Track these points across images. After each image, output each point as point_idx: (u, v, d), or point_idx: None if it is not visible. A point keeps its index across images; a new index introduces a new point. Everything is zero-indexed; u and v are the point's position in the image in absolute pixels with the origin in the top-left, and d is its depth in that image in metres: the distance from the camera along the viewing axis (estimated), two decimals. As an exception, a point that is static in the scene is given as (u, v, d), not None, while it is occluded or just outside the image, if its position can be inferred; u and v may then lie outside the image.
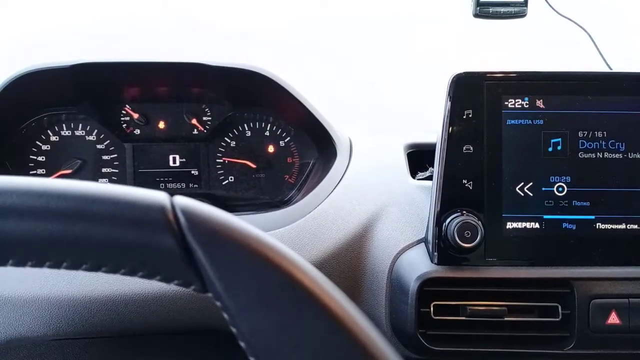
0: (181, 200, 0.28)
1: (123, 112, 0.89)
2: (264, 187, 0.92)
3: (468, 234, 0.58)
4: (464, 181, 0.60)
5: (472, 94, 0.60)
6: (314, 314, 0.27)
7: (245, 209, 0.89)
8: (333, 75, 1.37)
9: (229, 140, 0.92)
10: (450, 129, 0.61)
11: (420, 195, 0.71)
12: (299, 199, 0.89)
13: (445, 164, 0.61)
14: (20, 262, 0.26)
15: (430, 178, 0.76)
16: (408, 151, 0.84)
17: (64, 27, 1.37)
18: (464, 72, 0.61)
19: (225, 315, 0.28)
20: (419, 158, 0.83)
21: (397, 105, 1.34)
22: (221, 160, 0.91)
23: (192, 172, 0.91)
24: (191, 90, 0.89)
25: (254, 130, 0.92)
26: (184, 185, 0.91)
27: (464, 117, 0.60)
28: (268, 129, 0.92)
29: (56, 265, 0.27)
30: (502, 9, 0.89)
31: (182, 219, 0.27)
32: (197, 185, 0.91)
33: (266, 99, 0.87)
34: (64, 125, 0.88)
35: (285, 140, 0.92)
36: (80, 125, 0.88)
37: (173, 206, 0.27)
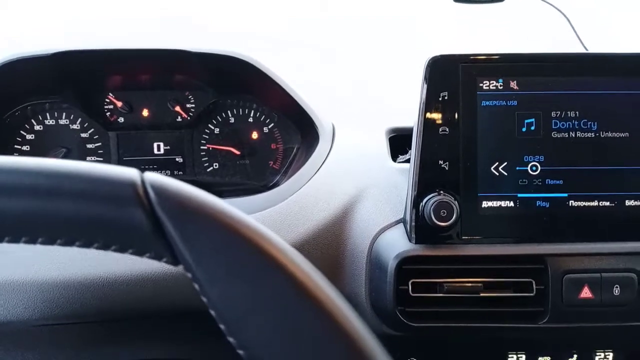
0: (151, 176, 0.29)
1: (106, 100, 0.90)
2: (249, 173, 0.93)
3: (444, 213, 0.59)
4: (441, 162, 0.62)
5: (447, 76, 0.62)
6: (280, 282, 0.29)
7: (231, 195, 0.90)
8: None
9: (212, 127, 0.92)
10: (427, 111, 0.62)
11: (400, 178, 0.73)
12: (284, 184, 0.91)
13: (422, 145, 0.62)
14: (14, 240, 0.27)
15: (409, 161, 0.78)
16: (390, 135, 0.86)
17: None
18: (439, 55, 0.62)
19: (196, 286, 0.29)
20: (400, 142, 0.85)
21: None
22: (205, 147, 0.92)
23: (177, 159, 0.92)
24: (174, 77, 0.90)
25: (238, 116, 0.93)
26: (168, 172, 0.92)
27: (440, 99, 0.62)
28: (252, 115, 0.93)
29: (31, 240, 0.28)
30: (481, -6, 0.90)
31: (151, 193, 0.28)
32: (182, 172, 0.92)
33: (249, 86, 0.88)
34: (47, 114, 0.88)
35: (269, 127, 0.93)
36: (64, 114, 0.88)
37: (143, 181, 0.28)
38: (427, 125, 0.62)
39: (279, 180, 0.92)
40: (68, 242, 0.29)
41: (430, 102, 0.62)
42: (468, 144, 0.62)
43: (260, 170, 0.93)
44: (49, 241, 0.29)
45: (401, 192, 0.70)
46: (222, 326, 0.29)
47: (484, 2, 0.90)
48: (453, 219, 0.59)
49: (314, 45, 1.46)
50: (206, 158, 0.92)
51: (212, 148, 0.92)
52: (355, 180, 0.74)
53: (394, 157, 0.81)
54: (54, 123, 0.88)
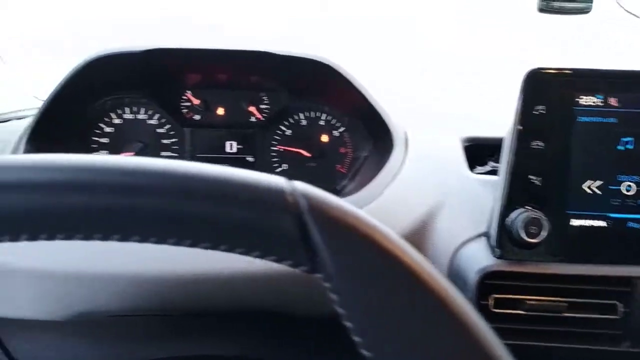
0: (301, 185, 0.29)
1: (184, 97, 0.92)
2: (316, 176, 0.94)
3: (534, 229, 0.58)
4: (532, 177, 0.61)
5: (544, 90, 0.60)
6: (423, 298, 0.29)
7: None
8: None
9: (284, 129, 0.93)
10: (521, 124, 0.61)
11: (480, 189, 0.72)
12: (352, 190, 0.91)
13: (514, 159, 0.61)
14: (160, 241, 0.28)
15: (490, 172, 0.77)
16: (465, 144, 0.85)
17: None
18: (537, 68, 0.61)
19: (334, 297, 0.29)
20: (475, 152, 0.84)
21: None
22: (276, 148, 0.93)
23: (248, 158, 0.93)
24: (250, 78, 0.91)
25: (309, 119, 0.93)
26: (239, 171, 0.93)
27: (535, 113, 0.60)
28: (323, 118, 0.93)
29: (178, 242, 0.29)
30: (568, 5, 0.88)
31: (301, 202, 0.28)
32: (251, 172, 0.93)
33: (326, 89, 0.88)
34: (126, 108, 0.91)
35: (340, 130, 0.93)
36: (143, 109, 0.91)
37: (293, 189, 0.29)
38: (521, 139, 0.61)
39: (346, 185, 0.93)
40: (213, 246, 0.29)
41: (525, 116, 0.61)
42: (561, 159, 0.61)
43: (327, 174, 0.94)
44: (195, 244, 0.29)
45: (482, 204, 0.69)
46: (357, 339, 0.29)
47: (569, 13, 0.88)
48: (542, 236, 0.58)
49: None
50: (276, 159, 0.93)
51: (282, 149, 0.93)
52: (434, 191, 0.73)
53: (470, 167, 0.80)
54: (132, 117, 0.91)
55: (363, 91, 0.81)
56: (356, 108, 0.87)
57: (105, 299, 0.64)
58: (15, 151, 0.75)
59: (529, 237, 0.58)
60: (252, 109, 0.92)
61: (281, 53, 0.79)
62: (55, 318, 0.63)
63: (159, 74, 0.88)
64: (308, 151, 0.93)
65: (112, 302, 0.64)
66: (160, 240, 0.29)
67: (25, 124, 0.83)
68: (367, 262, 0.28)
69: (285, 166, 0.94)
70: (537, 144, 0.61)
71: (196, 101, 0.91)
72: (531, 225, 0.58)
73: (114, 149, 0.90)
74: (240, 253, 0.30)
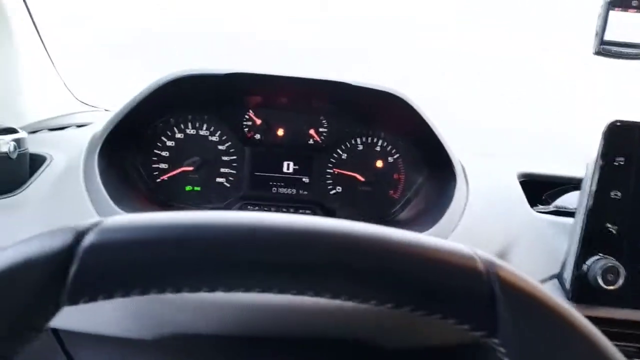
0: (487, 256, 0.31)
1: (246, 116, 0.93)
2: (369, 200, 0.96)
3: (611, 277, 0.60)
4: (609, 225, 0.63)
5: (625, 141, 0.63)
6: None
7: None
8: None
9: (341, 152, 0.95)
10: (601, 173, 0.63)
11: (547, 230, 0.74)
12: (406, 218, 0.93)
13: (592, 207, 0.63)
14: (360, 300, 0.30)
15: (554, 213, 0.79)
16: (521, 180, 0.87)
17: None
18: (619, 121, 0.63)
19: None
20: (527, 187, 0.86)
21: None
22: (331, 171, 0.95)
23: (304, 179, 0.95)
24: (313, 101, 0.93)
25: (366, 144, 0.95)
26: (294, 191, 0.94)
27: (615, 163, 0.63)
28: (379, 144, 0.95)
29: (376, 303, 0.31)
30: (626, 50, 0.91)
31: (491, 271, 0.30)
32: (306, 192, 0.95)
33: (390, 117, 0.90)
34: (190, 124, 0.92)
35: (394, 157, 0.95)
36: (205, 125, 0.92)
37: (482, 259, 0.31)
38: (600, 187, 0.63)
39: (397, 211, 0.95)
40: (396, 306, 0.31)
41: (605, 166, 0.63)
42: (638, 209, 0.63)
43: (380, 199, 0.96)
44: (381, 303, 0.31)
45: (551, 245, 0.71)
46: None
47: (626, 58, 0.90)
48: (619, 284, 0.60)
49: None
50: (331, 181, 0.95)
51: (337, 172, 0.95)
52: (502, 229, 0.75)
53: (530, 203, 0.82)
54: (194, 132, 0.92)
55: (430, 123, 0.83)
56: (418, 137, 0.89)
57: (193, 320, 0.65)
58: (86, 162, 0.76)
59: (606, 284, 0.60)
60: (311, 132, 0.94)
61: (361, 85, 0.81)
62: (144, 337, 0.64)
63: (225, 93, 0.89)
64: (362, 175, 0.95)
65: (200, 323, 0.65)
66: (362, 299, 0.30)
67: (88, 133, 0.84)
68: (550, 335, 0.30)
69: (339, 189, 0.95)
70: (616, 193, 0.63)
71: (258, 121, 0.93)
72: (609, 272, 0.60)
73: (174, 162, 0.92)
74: (422, 314, 0.32)
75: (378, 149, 0.96)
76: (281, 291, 0.30)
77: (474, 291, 0.30)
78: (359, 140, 0.95)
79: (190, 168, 0.92)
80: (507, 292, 0.30)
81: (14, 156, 0.69)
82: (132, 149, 0.89)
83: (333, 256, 0.29)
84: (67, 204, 0.69)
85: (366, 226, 0.31)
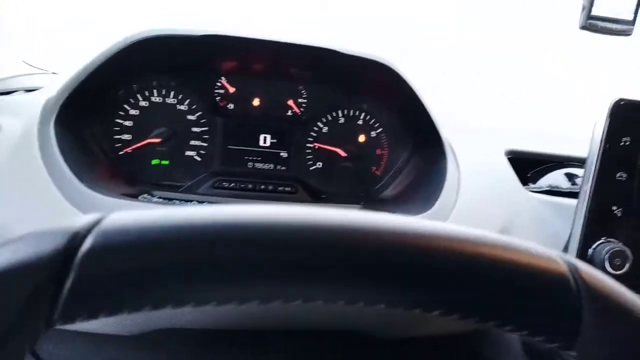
0: (582, 266, 0.27)
1: (218, 84, 0.85)
2: (350, 177, 0.90)
3: (618, 262, 0.58)
4: (614, 208, 0.60)
5: (631, 121, 0.60)
6: None
7: (333, 199, 0.87)
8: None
9: (321, 126, 0.89)
10: (605, 154, 0.60)
11: (544, 211, 0.71)
12: (389, 194, 0.88)
13: (595, 189, 0.61)
14: (426, 311, 0.24)
15: (546, 192, 0.76)
16: (509, 157, 0.84)
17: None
18: (625, 99, 0.60)
19: None
20: (516, 165, 0.83)
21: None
22: (311, 145, 0.89)
23: (282, 154, 0.88)
24: (291, 69, 0.86)
25: (348, 117, 0.89)
26: (271, 166, 0.88)
27: (621, 143, 0.60)
28: (362, 117, 0.90)
29: (458, 317, 0.25)
30: (612, 25, 0.88)
31: (580, 282, 0.26)
32: (284, 168, 0.88)
33: (375, 90, 0.85)
34: (155, 90, 0.83)
35: (377, 131, 0.90)
36: (173, 92, 0.83)
37: (567, 264, 0.26)
38: (603, 169, 0.60)
39: (381, 189, 0.90)
40: (481, 320, 0.26)
41: (609, 146, 0.60)
42: (643, 192, 0.61)
43: (362, 175, 0.91)
44: (464, 317, 0.26)
45: (549, 227, 0.69)
46: None
47: (612, 34, 0.88)
48: (626, 268, 0.58)
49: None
50: (311, 156, 0.89)
51: (318, 147, 0.89)
52: (498, 210, 0.72)
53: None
54: (160, 100, 0.83)
55: (419, 95, 0.78)
56: (404, 109, 0.84)
57: (187, 312, 0.58)
58: (41, 132, 0.66)
59: (613, 269, 0.58)
60: (290, 102, 0.87)
61: (349, 53, 0.74)
62: (132, 332, 0.57)
63: (195, 58, 0.81)
64: (344, 150, 0.89)
65: (194, 316, 0.59)
66: (439, 311, 0.25)
67: (40, 99, 0.74)
68: (635, 344, 0.26)
69: (319, 164, 0.89)
70: (621, 175, 0.60)
71: (232, 89, 0.85)
72: (616, 257, 0.58)
73: (138, 133, 0.82)
74: (507, 330, 0.27)
75: (360, 122, 0.90)
76: (349, 301, 0.24)
77: (564, 303, 0.25)
78: (340, 113, 0.89)
79: (157, 140, 0.83)
80: (594, 300, 0.26)
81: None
82: (92, 117, 0.79)
83: (410, 261, 0.24)
84: (23, 178, 0.59)
85: (432, 224, 0.25)
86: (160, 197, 0.68)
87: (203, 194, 0.82)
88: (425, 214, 0.68)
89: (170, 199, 0.69)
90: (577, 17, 0.94)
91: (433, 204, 0.69)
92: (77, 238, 0.20)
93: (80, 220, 0.21)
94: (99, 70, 0.69)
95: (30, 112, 0.71)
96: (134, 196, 0.69)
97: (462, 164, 0.80)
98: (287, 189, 0.86)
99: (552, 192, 0.75)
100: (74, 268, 0.19)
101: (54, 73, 1.16)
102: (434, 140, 0.81)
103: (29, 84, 0.92)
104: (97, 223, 0.20)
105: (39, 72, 1.16)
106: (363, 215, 0.24)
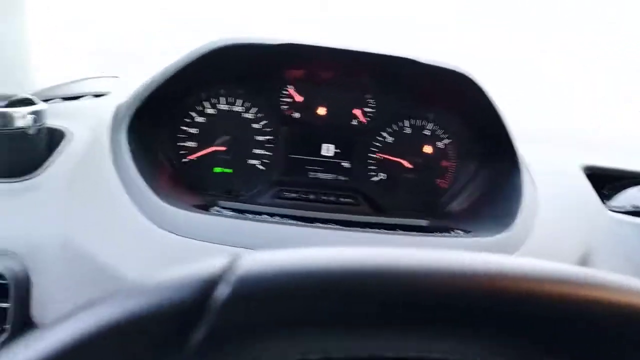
0: None
1: (285, 92, 0.84)
2: (413, 189, 0.87)
3: None
4: None
5: None
6: None
7: (394, 213, 0.85)
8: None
9: (386, 136, 0.86)
10: None
11: (628, 235, 0.66)
12: (456, 208, 0.85)
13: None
14: None
15: (630, 213, 0.71)
16: (587, 173, 0.79)
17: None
18: None
19: None
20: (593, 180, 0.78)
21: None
22: (375, 156, 0.86)
23: (343, 164, 0.86)
24: (359, 79, 0.84)
25: (414, 127, 0.87)
26: (333, 176, 0.86)
27: None
28: (429, 128, 0.87)
29: None
30: None
31: None
32: (346, 179, 0.86)
33: (447, 100, 0.82)
34: (222, 98, 0.83)
35: (444, 142, 0.87)
36: (239, 100, 0.83)
37: None
38: None
39: (446, 202, 0.87)
40: None
41: None
42: None
43: (425, 187, 0.88)
44: None
45: (633, 253, 0.64)
46: None
47: None
48: None
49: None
50: (374, 167, 0.87)
51: (382, 157, 0.86)
52: (578, 232, 0.67)
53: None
54: (227, 109, 0.83)
55: (495, 106, 0.74)
56: (476, 121, 0.81)
57: None
58: (114, 139, 0.67)
59: None
60: (356, 111, 0.85)
61: (428, 62, 0.72)
62: None
63: (264, 67, 0.80)
64: (408, 162, 0.87)
65: None
66: None
67: (109, 105, 0.75)
68: None
69: (382, 175, 0.87)
70: None
71: (298, 98, 0.84)
72: None
73: (203, 140, 0.82)
74: None
75: (427, 132, 0.87)
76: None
77: None
78: (406, 123, 0.87)
79: (222, 148, 0.83)
80: None
81: (32, 132, 0.60)
82: (158, 124, 0.79)
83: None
84: (95, 186, 0.60)
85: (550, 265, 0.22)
86: (231, 210, 0.67)
87: (265, 204, 0.81)
88: (503, 234, 0.64)
89: (241, 211, 0.68)
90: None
91: (509, 223, 0.65)
92: (210, 286, 0.18)
93: (212, 264, 0.19)
94: (173, 77, 0.69)
95: (100, 118, 0.72)
96: (203, 207, 0.68)
97: (537, 180, 0.76)
98: (349, 200, 0.84)
99: (635, 212, 0.70)
100: (209, 318, 0.18)
101: (114, 77, 1.18)
102: (508, 153, 0.77)
103: (94, 89, 0.94)
104: (230, 268, 0.19)
105: (102, 76, 1.19)
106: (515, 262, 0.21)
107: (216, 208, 0.69)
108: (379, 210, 0.85)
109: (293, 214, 0.73)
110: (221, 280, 0.18)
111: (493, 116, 0.75)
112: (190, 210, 0.60)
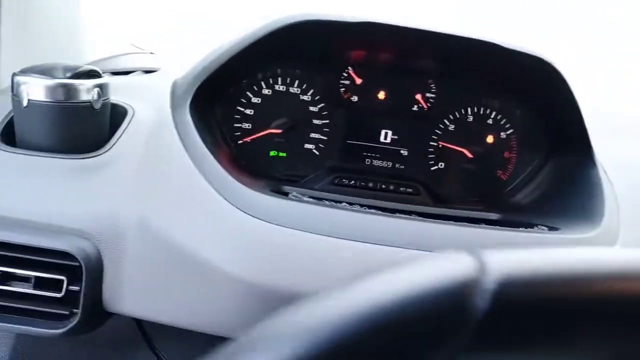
0: None
1: (344, 74, 0.80)
2: (472, 180, 0.84)
3: None
4: None
5: None
6: None
7: (460, 202, 0.81)
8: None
9: (448, 123, 0.83)
10: None
11: None
12: (523, 201, 0.81)
13: None
14: None
15: None
16: None
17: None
18: None
19: None
20: None
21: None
22: (435, 144, 0.83)
23: (402, 151, 0.83)
24: (423, 61, 0.80)
25: (477, 116, 0.83)
26: (390, 164, 0.83)
27: None
28: (492, 116, 0.83)
29: None
30: None
31: None
32: (403, 167, 0.83)
33: (515, 86, 0.78)
34: (279, 79, 0.79)
35: (508, 132, 0.83)
36: (297, 81, 0.79)
37: None
38: None
39: (508, 195, 0.83)
40: None
41: None
42: None
43: (485, 179, 0.84)
44: None
45: None
46: None
47: None
48: None
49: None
50: (433, 156, 0.83)
51: (442, 146, 0.83)
52: None
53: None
54: (284, 90, 0.80)
55: (576, 98, 0.70)
56: (548, 112, 0.77)
57: None
58: (179, 117, 0.64)
59: None
60: (418, 96, 0.82)
61: (511, 47, 0.68)
62: None
63: (325, 47, 0.76)
64: (470, 151, 0.83)
65: None
66: None
67: (164, 82, 0.72)
68: None
69: (441, 165, 0.83)
70: None
71: (358, 80, 0.80)
72: None
73: (259, 122, 0.79)
74: None
75: (490, 121, 0.83)
76: None
77: None
78: (469, 111, 0.83)
79: (278, 130, 0.80)
80: None
81: (98, 106, 0.57)
82: (217, 103, 0.77)
83: None
84: (166, 165, 0.57)
85: None
86: (310, 197, 0.64)
87: (322, 190, 0.78)
88: (597, 231, 0.60)
89: (319, 199, 0.64)
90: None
91: (597, 220, 0.61)
92: (468, 291, 0.16)
93: (458, 265, 0.16)
94: (237, 56, 0.66)
95: (158, 95, 0.69)
96: (280, 193, 0.65)
97: (611, 173, 0.72)
98: (409, 190, 0.81)
99: None
100: (469, 327, 0.15)
101: (151, 53, 1.15)
102: (581, 145, 0.73)
103: (140, 65, 0.91)
104: (481, 270, 0.16)
105: (138, 52, 1.16)
106: None
107: (294, 195, 0.66)
108: (438, 201, 0.81)
109: (372, 203, 0.70)
110: (478, 285, 0.16)
111: (570, 107, 0.71)
112: (270, 195, 0.57)
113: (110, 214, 0.51)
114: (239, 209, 0.52)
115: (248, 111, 0.79)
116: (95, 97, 0.56)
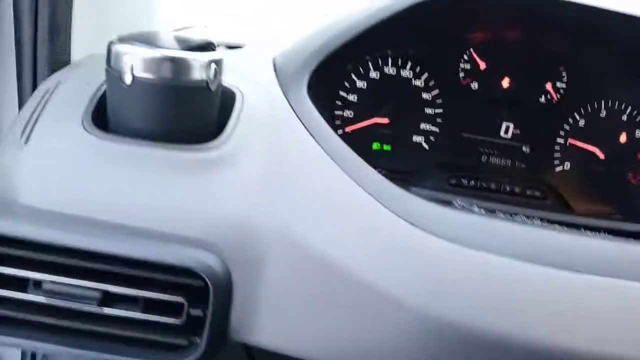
0: None
1: (465, 57, 0.69)
2: (599, 183, 0.73)
3: None
4: None
5: None
6: None
7: (585, 212, 0.71)
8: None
9: (578, 118, 0.72)
10: None
11: None
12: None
13: None
14: None
15: None
16: None
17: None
18: None
19: None
20: None
21: None
22: (562, 142, 0.72)
23: (523, 148, 0.72)
24: (554, 41, 0.69)
25: (610, 111, 0.72)
26: (509, 162, 0.72)
27: None
28: (627, 112, 0.72)
29: None
30: None
31: None
32: (524, 166, 0.72)
33: None
34: (389, 59, 0.68)
35: (644, 131, 0.72)
36: (410, 64, 0.68)
37: None
38: None
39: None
40: None
41: None
42: None
43: (614, 181, 0.73)
44: None
45: None
46: None
47: None
48: None
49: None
50: (558, 154, 0.72)
51: (570, 144, 0.72)
52: None
53: None
54: (393, 73, 0.69)
55: None
56: None
57: None
58: (297, 103, 0.53)
59: None
60: (547, 86, 0.70)
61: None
62: None
63: (443, 23, 0.65)
64: (601, 151, 0.72)
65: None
66: None
67: (257, 58, 0.62)
68: None
69: (566, 165, 0.72)
70: None
71: (482, 64, 0.69)
72: None
73: (362, 110, 0.69)
74: None
75: (625, 118, 0.72)
76: None
77: None
78: (602, 104, 0.72)
79: (385, 120, 0.69)
80: None
81: (214, 87, 0.46)
82: (319, 88, 0.66)
83: None
84: (298, 158, 0.46)
85: None
86: (481, 208, 0.53)
87: (436, 190, 0.67)
88: None
89: (491, 210, 0.53)
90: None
91: None
92: None
93: None
94: (362, 34, 0.55)
95: (259, 75, 0.58)
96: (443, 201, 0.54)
97: None
98: (537, 193, 0.70)
99: None
100: None
101: (205, 27, 1.05)
102: None
103: (217, 40, 0.80)
104: None
105: (191, 26, 1.06)
106: None
107: (461, 204, 0.55)
108: (566, 207, 0.71)
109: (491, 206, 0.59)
110: None
111: None
112: (435, 203, 0.46)
113: (240, 221, 0.40)
114: (400, 217, 0.42)
115: (351, 97, 0.68)
116: (212, 76, 0.46)
